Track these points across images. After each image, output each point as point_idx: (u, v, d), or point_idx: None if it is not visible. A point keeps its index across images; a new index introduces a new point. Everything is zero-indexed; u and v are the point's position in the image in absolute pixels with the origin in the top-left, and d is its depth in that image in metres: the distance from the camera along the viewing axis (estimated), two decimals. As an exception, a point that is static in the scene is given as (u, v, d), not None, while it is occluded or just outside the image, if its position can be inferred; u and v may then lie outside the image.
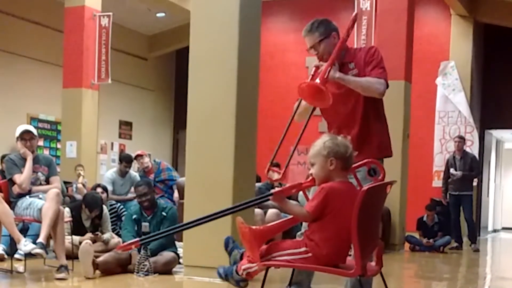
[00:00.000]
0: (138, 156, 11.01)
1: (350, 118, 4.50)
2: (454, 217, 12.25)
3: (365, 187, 3.44)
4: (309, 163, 3.66)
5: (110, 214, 8.65)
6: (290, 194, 3.73)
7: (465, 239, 12.38)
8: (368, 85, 4.38)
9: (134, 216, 7.34)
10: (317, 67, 4.43)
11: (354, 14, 4.67)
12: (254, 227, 3.60)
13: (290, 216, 3.82)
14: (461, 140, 12.43)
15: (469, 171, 12.12)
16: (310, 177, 3.68)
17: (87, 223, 8.15)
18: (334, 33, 4.54)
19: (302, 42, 4.68)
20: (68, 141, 12.77)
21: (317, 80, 4.14)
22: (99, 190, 9.07)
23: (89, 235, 7.98)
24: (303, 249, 3.52)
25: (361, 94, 4.41)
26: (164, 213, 7.34)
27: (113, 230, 8.49)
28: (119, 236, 8.15)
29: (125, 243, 3.76)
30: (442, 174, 13.09)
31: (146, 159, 11.03)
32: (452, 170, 12.11)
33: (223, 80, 6.67)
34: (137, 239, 3.83)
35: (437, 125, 14.61)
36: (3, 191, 7.01)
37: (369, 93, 4.40)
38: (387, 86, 4.50)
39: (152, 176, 10.78)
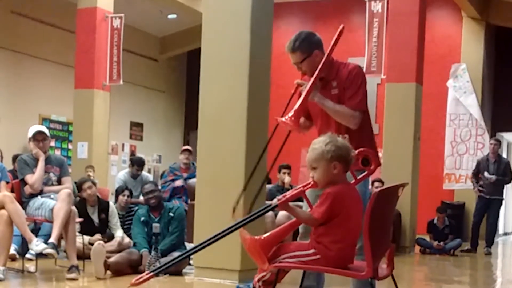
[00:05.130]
0: (186, 150, 10.90)
1: (332, 123, 4.48)
2: (476, 221, 12.15)
3: (376, 190, 3.44)
4: (309, 166, 3.60)
5: (128, 216, 8.71)
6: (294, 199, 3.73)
7: (480, 242, 12.29)
8: (343, 116, 4.38)
9: (142, 218, 7.37)
10: (299, 85, 4.39)
11: (341, 26, 4.55)
12: (257, 237, 3.57)
13: (294, 219, 3.80)
14: (497, 143, 12.25)
15: (502, 175, 11.95)
16: (312, 181, 3.63)
17: (95, 218, 8.23)
18: (317, 51, 4.44)
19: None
20: (80, 142, 12.80)
21: (290, 114, 4.18)
22: (126, 193, 9.09)
23: (98, 236, 8.04)
24: (311, 251, 3.52)
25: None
26: (171, 214, 7.38)
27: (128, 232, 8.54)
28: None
29: (138, 278, 3.73)
30: (460, 175, 13.05)
31: (191, 157, 11.00)
32: (486, 174, 11.91)
33: (235, 81, 6.67)
34: (151, 273, 3.81)
35: (448, 128, 14.56)
36: (15, 191, 7.05)
37: (344, 123, 4.40)
38: (364, 112, 4.45)
39: (185, 175, 10.77)
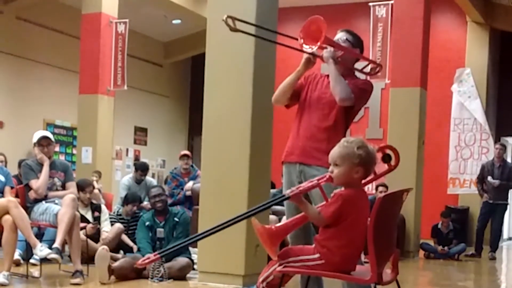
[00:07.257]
0: (184, 156, 10.95)
1: (320, 122, 4.59)
2: (481, 226, 12.14)
3: (381, 195, 3.43)
4: (332, 160, 3.53)
5: (132, 222, 8.75)
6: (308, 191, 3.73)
7: (484, 247, 12.26)
8: (340, 85, 4.52)
9: (147, 223, 7.38)
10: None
11: (379, 64, 4.94)
12: (268, 226, 3.58)
13: (303, 213, 3.79)
14: (503, 147, 12.27)
15: (506, 180, 11.94)
16: (328, 175, 3.60)
17: (89, 217, 8.33)
18: (358, 50, 4.79)
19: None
20: (84, 147, 12.82)
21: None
22: (136, 203, 9.15)
23: (90, 226, 8.10)
24: (316, 255, 3.50)
25: (331, 90, 4.56)
26: (176, 219, 7.39)
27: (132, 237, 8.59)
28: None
29: (144, 259, 3.73)
30: (466, 180, 13.04)
31: (190, 161, 11.04)
32: (489, 178, 11.93)
33: (239, 86, 6.68)
34: (157, 255, 3.81)
35: (453, 132, 14.53)
36: (19, 196, 7.06)
37: (335, 90, 4.54)
38: (352, 108, 4.61)
39: (187, 179, 10.79)
